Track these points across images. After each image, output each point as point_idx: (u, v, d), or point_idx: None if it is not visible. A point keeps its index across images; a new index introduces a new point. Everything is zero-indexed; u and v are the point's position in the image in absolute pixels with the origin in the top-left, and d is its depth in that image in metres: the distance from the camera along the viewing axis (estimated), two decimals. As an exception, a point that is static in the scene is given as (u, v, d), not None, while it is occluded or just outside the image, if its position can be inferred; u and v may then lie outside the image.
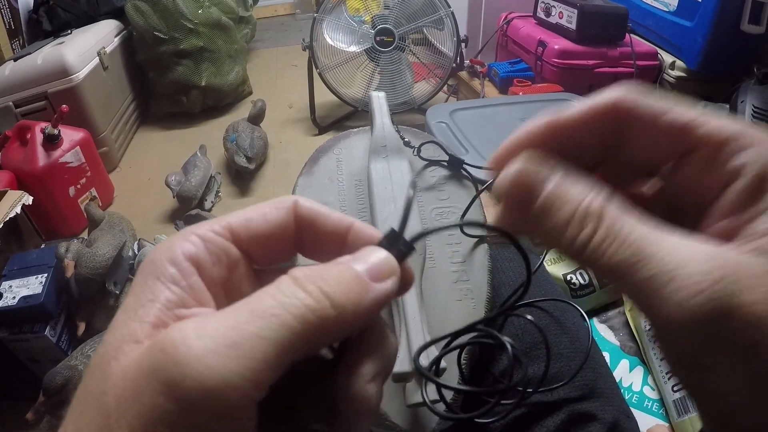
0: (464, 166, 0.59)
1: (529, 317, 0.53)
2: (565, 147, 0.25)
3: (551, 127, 0.25)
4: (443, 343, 0.48)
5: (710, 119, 0.23)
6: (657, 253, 0.20)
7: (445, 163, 0.60)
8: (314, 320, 0.20)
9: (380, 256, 0.24)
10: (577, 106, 0.25)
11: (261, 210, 0.26)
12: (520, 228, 0.24)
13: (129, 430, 0.18)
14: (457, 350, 0.50)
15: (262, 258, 0.27)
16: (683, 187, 0.25)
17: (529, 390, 0.49)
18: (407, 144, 0.60)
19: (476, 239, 0.54)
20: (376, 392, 0.24)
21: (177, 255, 0.23)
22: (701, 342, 0.20)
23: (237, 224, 0.25)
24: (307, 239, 0.27)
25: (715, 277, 0.19)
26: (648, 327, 1.01)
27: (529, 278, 0.28)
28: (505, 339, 0.34)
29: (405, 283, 0.25)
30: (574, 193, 0.22)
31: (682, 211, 0.25)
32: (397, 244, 0.25)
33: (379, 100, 0.62)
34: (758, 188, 0.22)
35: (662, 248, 0.20)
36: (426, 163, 0.60)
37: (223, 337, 0.19)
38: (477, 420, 0.50)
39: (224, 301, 0.24)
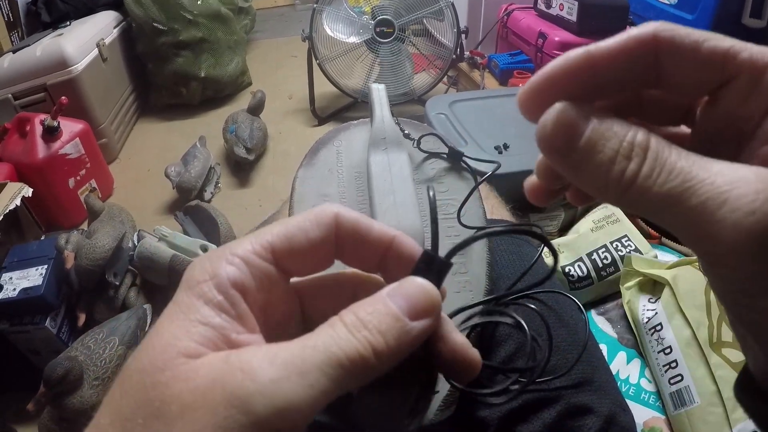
0: (463, 158, 0.60)
1: (531, 306, 0.53)
2: (602, 81, 0.24)
3: (589, 59, 0.24)
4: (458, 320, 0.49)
5: (750, 46, 0.23)
6: (707, 177, 0.20)
7: (445, 156, 0.60)
8: (361, 362, 0.22)
9: (420, 291, 0.25)
10: (614, 37, 0.24)
11: (301, 226, 0.26)
12: (566, 171, 0.23)
13: None
14: (468, 330, 0.50)
15: (301, 271, 0.28)
16: (723, 119, 0.24)
17: (537, 380, 0.50)
18: (407, 136, 0.60)
19: (474, 230, 0.54)
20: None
21: (223, 281, 0.24)
22: (760, 262, 0.19)
23: (278, 244, 0.26)
24: (348, 249, 0.28)
25: None
26: (647, 319, 1.01)
27: (553, 270, 0.28)
28: (521, 320, 0.35)
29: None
30: (617, 129, 0.22)
31: (721, 148, 0.25)
32: (434, 265, 0.26)
33: (379, 93, 0.61)
34: None
35: (711, 173, 0.20)
36: (426, 155, 0.60)
37: (292, 366, 0.21)
38: (489, 399, 0.50)
39: (264, 320, 0.26)
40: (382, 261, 0.28)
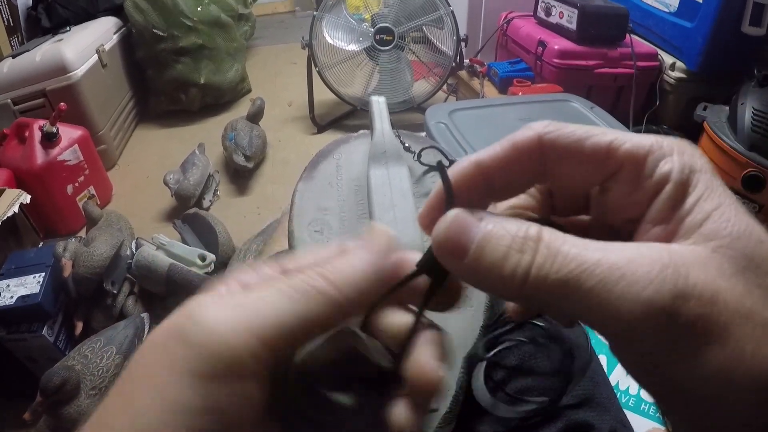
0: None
1: (540, 324, 0.53)
2: (494, 184, 0.25)
3: (478, 164, 0.25)
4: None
5: (629, 137, 0.24)
6: (601, 258, 0.20)
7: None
8: (313, 293, 0.24)
9: (379, 232, 0.27)
10: (500, 143, 0.25)
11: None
12: (465, 276, 0.24)
13: (156, 381, 0.22)
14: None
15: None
16: (614, 209, 0.25)
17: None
18: (407, 149, 0.59)
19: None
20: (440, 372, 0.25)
21: (218, 369, 0.24)
22: (662, 334, 0.19)
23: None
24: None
25: (664, 263, 0.20)
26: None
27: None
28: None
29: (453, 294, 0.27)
30: (509, 227, 0.22)
31: (618, 233, 0.25)
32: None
33: (379, 105, 0.61)
34: (683, 189, 0.22)
35: (605, 253, 0.20)
36: (426, 168, 0.60)
37: (232, 300, 0.23)
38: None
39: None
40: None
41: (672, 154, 0.23)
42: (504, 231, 0.22)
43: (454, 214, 0.23)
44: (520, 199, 0.29)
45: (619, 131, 0.24)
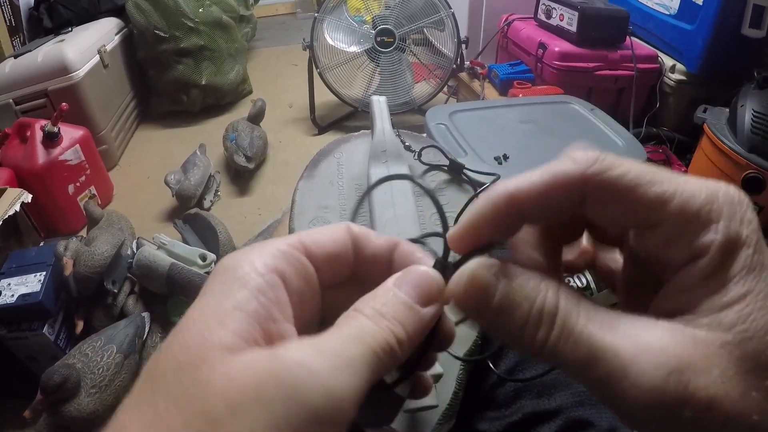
0: (464, 170, 0.60)
1: None
2: (528, 215, 0.25)
3: (511, 200, 0.25)
4: None
5: (681, 189, 0.23)
6: (610, 349, 0.21)
7: (446, 168, 0.60)
8: (390, 351, 0.23)
9: (424, 278, 0.26)
10: (539, 174, 0.24)
11: (324, 233, 0.28)
12: (483, 327, 0.25)
13: None
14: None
15: (326, 276, 0.28)
16: (648, 255, 0.25)
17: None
18: (408, 148, 0.60)
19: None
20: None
21: (261, 265, 0.24)
22: (664, 427, 0.21)
23: (309, 243, 0.27)
24: (361, 260, 0.29)
25: (669, 368, 0.21)
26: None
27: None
28: None
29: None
30: (526, 293, 0.23)
31: (647, 279, 0.26)
32: (447, 271, 0.26)
33: (380, 105, 0.62)
34: (719, 266, 0.22)
35: (614, 343, 0.22)
36: (426, 167, 0.60)
37: (340, 357, 0.22)
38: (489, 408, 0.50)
39: (299, 312, 0.25)
40: (389, 268, 0.28)
41: (719, 220, 0.22)
42: (521, 298, 0.23)
43: (472, 270, 0.24)
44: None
45: (672, 178, 0.23)
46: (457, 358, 0.45)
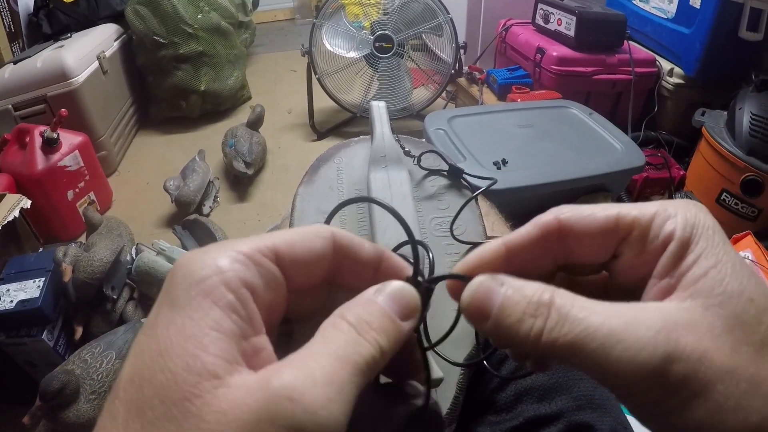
0: (464, 175, 0.60)
1: None
2: (520, 263, 0.29)
3: (505, 249, 0.28)
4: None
5: (636, 207, 0.27)
6: (603, 322, 0.23)
7: (445, 173, 0.60)
8: (373, 363, 0.23)
9: (404, 293, 0.26)
10: (524, 228, 0.29)
11: (303, 236, 0.27)
12: (488, 335, 0.26)
13: None
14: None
15: (297, 280, 0.27)
16: (627, 270, 0.28)
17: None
18: (407, 153, 0.60)
19: (471, 246, 0.54)
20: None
21: (232, 278, 0.23)
22: (657, 390, 0.22)
23: (282, 248, 0.25)
24: (344, 266, 0.28)
25: (657, 329, 0.22)
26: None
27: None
28: None
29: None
30: (525, 293, 0.25)
31: (633, 288, 0.28)
32: (420, 286, 0.28)
33: (380, 110, 0.62)
34: (685, 246, 0.25)
35: (607, 318, 0.23)
36: (426, 172, 0.60)
37: (332, 385, 0.21)
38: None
39: (268, 321, 0.25)
40: (374, 278, 0.29)
41: (676, 215, 0.26)
42: (520, 296, 0.25)
43: (480, 281, 0.26)
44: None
45: (627, 204, 0.28)
46: (455, 364, 0.45)
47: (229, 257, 0.23)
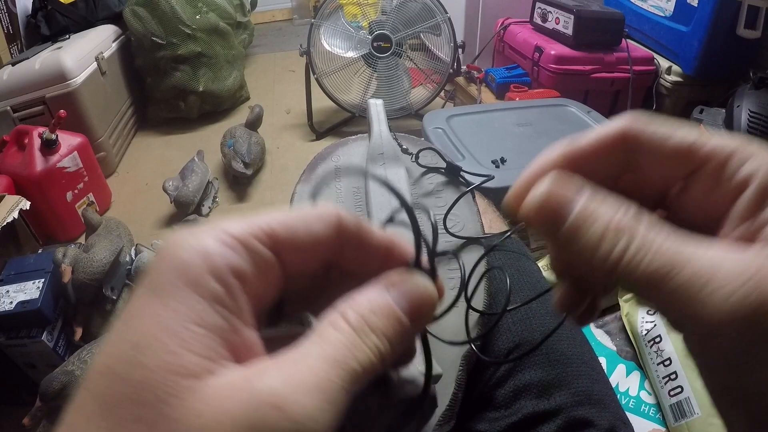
0: (461, 173, 0.60)
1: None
2: (581, 174, 0.25)
3: (566, 155, 0.26)
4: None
5: (712, 138, 0.24)
6: (691, 259, 0.21)
7: (443, 170, 0.60)
8: (371, 369, 0.21)
9: (421, 293, 0.24)
10: (589, 134, 0.26)
11: (305, 219, 0.24)
12: (554, 246, 0.25)
13: None
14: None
15: (295, 264, 0.25)
16: (694, 207, 0.26)
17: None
18: (405, 151, 0.60)
19: (464, 240, 0.54)
20: None
21: (220, 266, 0.21)
22: (743, 340, 0.20)
23: (280, 231, 0.23)
24: (349, 252, 0.26)
25: (749, 275, 0.20)
26: (646, 331, 1.01)
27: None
28: None
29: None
30: (605, 210, 0.23)
31: (696, 231, 0.25)
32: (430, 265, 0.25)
33: (377, 108, 0.62)
34: (766, 193, 0.23)
35: (695, 254, 0.21)
36: (424, 170, 0.60)
37: (322, 393, 0.20)
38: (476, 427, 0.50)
39: (256, 311, 0.23)
40: (382, 265, 0.26)
41: (757, 156, 0.23)
42: (603, 210, 0.23)
43: (554, 180, 0.24)
44: None
45: (704, 132, 0.25)
46: (448, 342, 0.45)
47: (217, 240, 0.21)
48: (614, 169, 0.26)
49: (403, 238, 0.27)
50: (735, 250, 0.21)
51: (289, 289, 0.25)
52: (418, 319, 0.23)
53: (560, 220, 0.23)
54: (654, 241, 0.22)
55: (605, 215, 0.22)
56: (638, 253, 0.21)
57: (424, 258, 0.25)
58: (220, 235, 0.22)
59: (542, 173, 0.25)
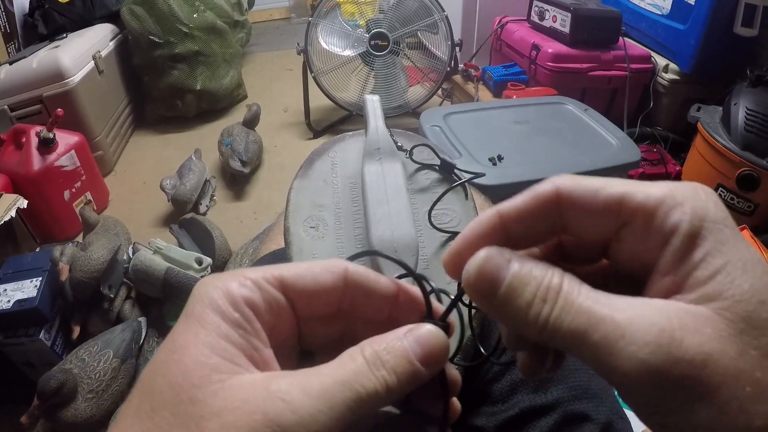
0: (455, 170, 0.60)
1: None
2: (515, 235, 0.27)
3: (499, 219, 0.27)
4: None
5: (643, 188, 0.25)
6: (607, 315, 0.23)
7: (437, 167, 0.60)
8: (375, 397, 0.25)
9: (433, 340, 0.27)
10: (520, 196, 0.27)
11: (312, 270, 0.28)
12: (490, 312, 0.26)
13: None
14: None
15: (304, 310, 0.29)
16: (630, 257, 0.27)
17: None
18: (400, 148, 0.60)
19: (452, 234, 0.54)
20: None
21: (237, 299, 0.26)
22: (656, 391, 0.22)
23: (289, 278, 0.28)
24: (359, 302, 0.30)
25: (661, 328, 0.22)
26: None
27: None
28: None
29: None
30: (535, 274, 0.25)
31: (633, 281, 0.27)
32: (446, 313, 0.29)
33: (373, 103, 0.62)
34: (692, 242, 0.23)
35: (612, 310, 0.23)
36: (418, 166, 0.60)
37: (325, 400, 0.23)
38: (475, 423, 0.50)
39: (271, 340, 0.27)
40: (392, 312, 0.30)
41: (684, 203, 0.24)
42: (530, 277, 0.25)
43: (486, 254, 0.25)
44: (533, 251, 0.30)
45: (634, 183, 0.25)
46: (458, 364, 0.45)
47: (237, 282, 0.26)
48: (548, 227, 0.27)
49: (409, 287, 0.30)
50: (648, 305, 0.23)
51: (310, 336, 0.30)
52: (430, 364, 0.26)
53: (496, 286, 0.25)
54: (575, 300, 0.23)
55: (535, 280, 0.24)
56: (562, 313, 0.23)
57: (438, 307, 0.29)
58: (240, 278, 0.27)
59: (476, 237, 0.27)
